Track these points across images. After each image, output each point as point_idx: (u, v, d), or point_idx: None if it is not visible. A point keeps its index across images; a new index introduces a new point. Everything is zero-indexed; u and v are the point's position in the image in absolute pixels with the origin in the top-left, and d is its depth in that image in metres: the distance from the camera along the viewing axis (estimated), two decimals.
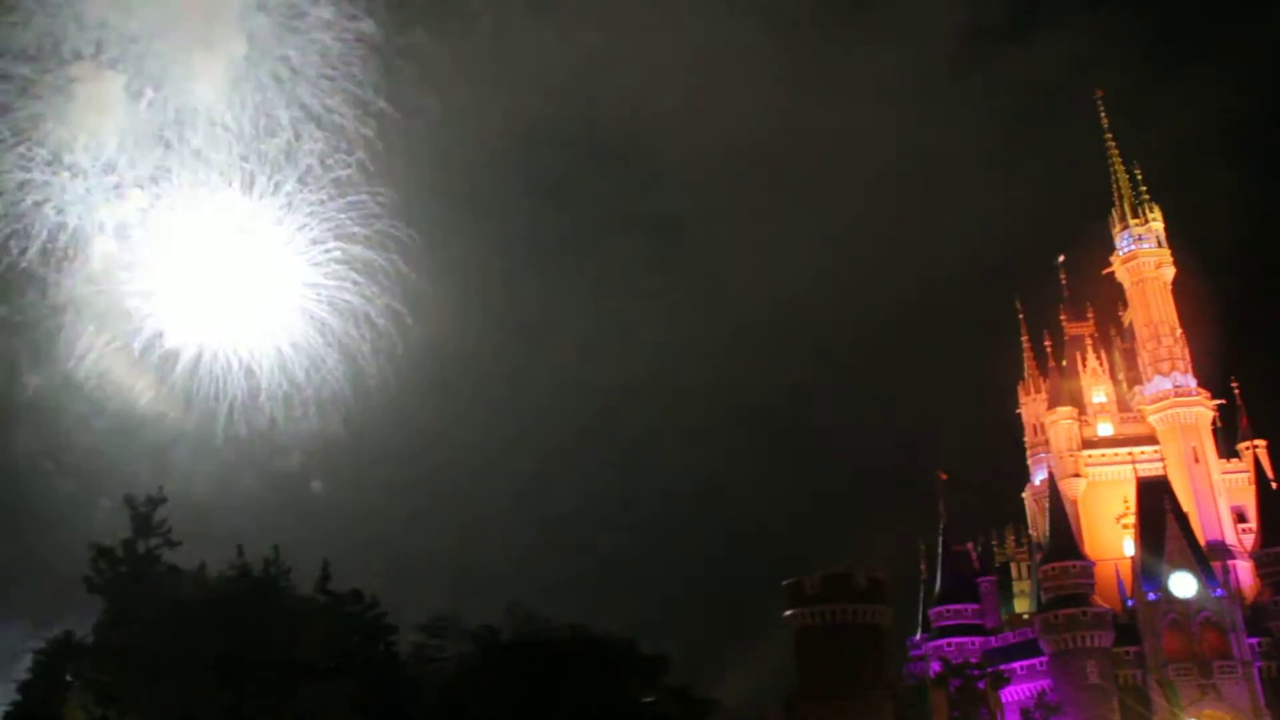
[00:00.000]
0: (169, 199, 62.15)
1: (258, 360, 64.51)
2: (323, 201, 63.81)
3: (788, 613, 75.79)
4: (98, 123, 60.17)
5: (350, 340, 66.81)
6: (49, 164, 59.76)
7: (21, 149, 59.02)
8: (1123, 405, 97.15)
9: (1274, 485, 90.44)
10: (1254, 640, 79.99)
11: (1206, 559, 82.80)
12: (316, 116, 63.38)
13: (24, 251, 60.24)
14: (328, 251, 64.49)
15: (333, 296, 65.38)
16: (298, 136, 63.10)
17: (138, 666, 49.29)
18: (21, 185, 59.43)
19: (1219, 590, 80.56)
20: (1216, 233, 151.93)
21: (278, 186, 63.12)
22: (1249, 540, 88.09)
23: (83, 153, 60.26)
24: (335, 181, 64.05)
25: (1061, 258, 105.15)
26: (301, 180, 63.46)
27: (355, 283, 65.40)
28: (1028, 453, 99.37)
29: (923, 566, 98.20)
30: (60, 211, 60.39)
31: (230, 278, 63.81)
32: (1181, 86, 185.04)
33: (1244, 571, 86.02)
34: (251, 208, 62.92)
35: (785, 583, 77.20)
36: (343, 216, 64.29)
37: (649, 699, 64.93)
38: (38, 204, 59.86)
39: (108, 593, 52.29)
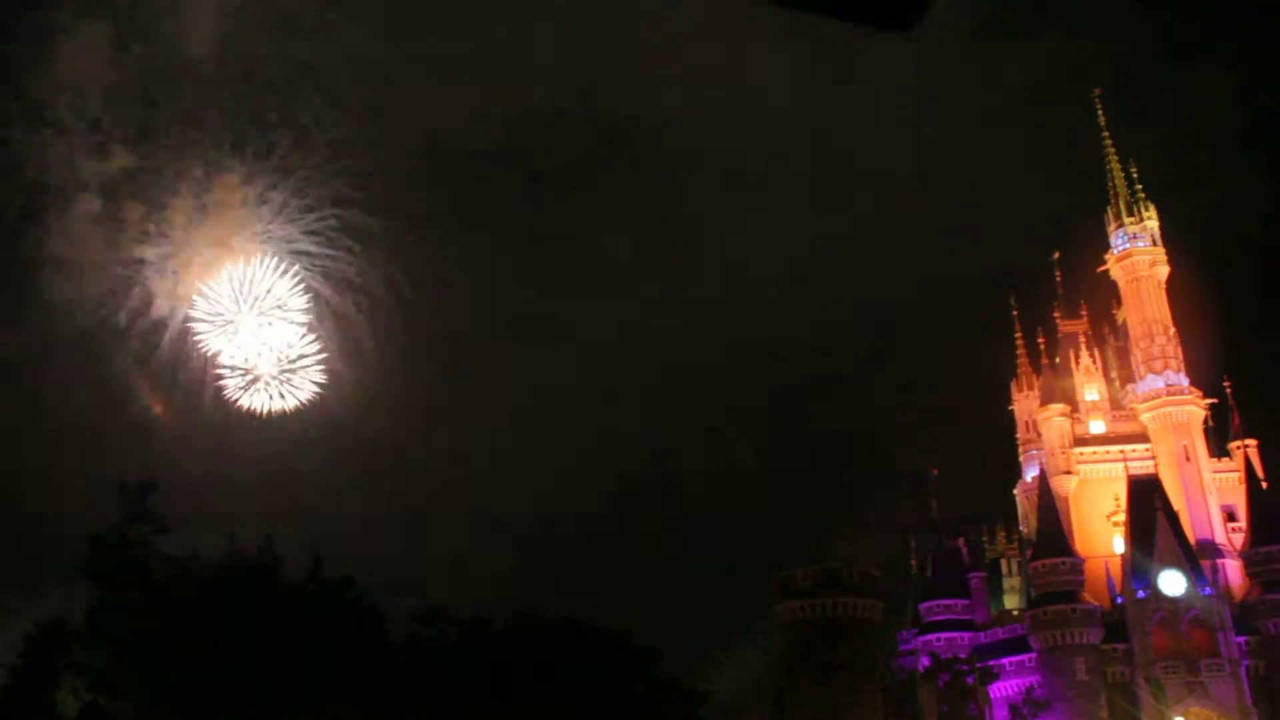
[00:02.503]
0: (157, 159, 58.98)
1: (249, 331, 61.04)
2: (318, 165, 60.75)
3: (779, 606, 75.99)
4: (81, 77, 57.08)
5: (347, 311, 63.68)
6: (29, 120, 56.66)
7: None
8: (1115, 403, 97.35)
9: (1264, 485, 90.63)
10: (1242, 639, 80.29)
11: (1196, 557, 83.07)
12: (312, 73, 60.43)
13: (3, 209, 57.10)
14: (322, 219, 61.03)
15: (326, 265, 62.13)
16: (293, 95, 60.20)
17: (130, 653, 49.23)
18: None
19: (1208, 589, 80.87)
20: (1212, 232, 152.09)
21: (271, 148, 60.06)
22: (1239, 539, 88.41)
23: (65, 109, 56.94)
24: (330, 144, 61.06)
25: (1057, 255, 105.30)
26: (296, 142, 60.44)
27: (351, 250, 62.63)
28: (1020, 449, 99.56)
29: (913, 561, 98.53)
30: (41, 171, 57.36)
31: (221, 244, 60.31)
32: (1181, 85, 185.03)
33: (1233, 570, 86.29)
34: (243, 170, 59.47)
35: (776, 576, 77.38)
36: (338, 181, 61.31)
37: (640, 690, 65.06)
38: (18, 163, 56.88)
39: (100, 579, 52.19)
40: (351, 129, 60.33)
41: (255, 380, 60.89)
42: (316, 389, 62.45)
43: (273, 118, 58.96)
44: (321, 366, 62.48)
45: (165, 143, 59.41)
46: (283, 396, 61.97)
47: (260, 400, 61.49)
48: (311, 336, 62.15)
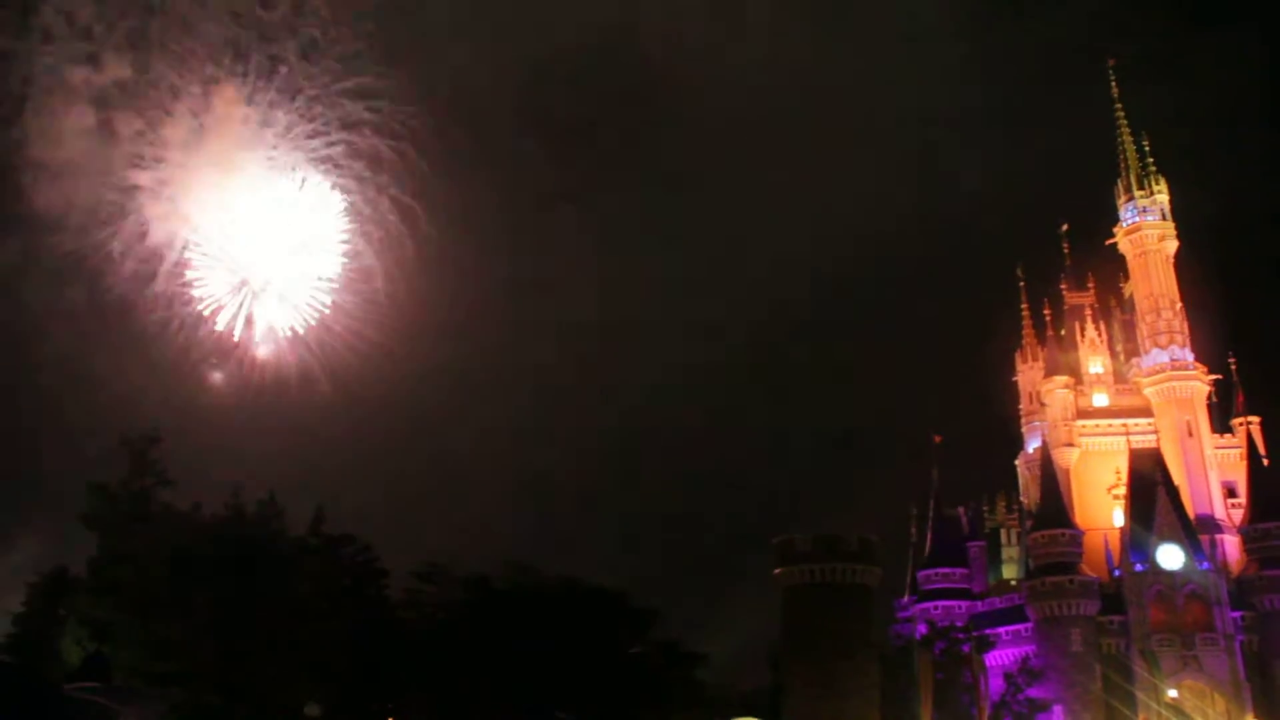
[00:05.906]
0: (152, 72, 53.83)
1: (249, 264, 56.93)
2: (326, 84, 55.97)
3: (777, 570, 76.25)
4: None
5: (355, 241, 58.88)
6: (16, 28, 52.88)
7: None
8: (1119, 377, 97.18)
9: (1266, 462, 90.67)
10: (1237, 614, 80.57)
11: (1195, 532, 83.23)
12: None
13: None
14: (331, 143, 56.68)
15: (336, 188, 57.38)
16: (299, 6, 55.48)
17: (132, 603, 49.53)
18: None
19: (1205, 563, 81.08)
20: (1223, 208, 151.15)
21: (275, 61, 55.47)
22: (1238, 515, 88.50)
23: (53, 15, 51.99)
24: (340, 58, 55.95)
25: (1065, 226, 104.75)
26: (303, 55, 55.44)
27: (360, 176, 57.65)
28: (1022, 420, 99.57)
29: (913, 529, 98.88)
30: (28, 83, 52.34)
31: (222, 167, 55.23)
32: (1197, 60, 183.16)
33: (1231, 546, 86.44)
34: (245, 88, 54.78)
35: (776, 540, 77.59)
36: (347, 102, 56.38)
37: (638, 650, 65.55)
38: (3, 71, 51.68)
39: (104, 530, 52.38)
40: (361, 44, 55.86)
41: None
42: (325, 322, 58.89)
43: (278, 30, 54.61)
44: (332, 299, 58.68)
45: (161, 55, 54.08)
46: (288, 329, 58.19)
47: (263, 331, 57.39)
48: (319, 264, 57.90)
